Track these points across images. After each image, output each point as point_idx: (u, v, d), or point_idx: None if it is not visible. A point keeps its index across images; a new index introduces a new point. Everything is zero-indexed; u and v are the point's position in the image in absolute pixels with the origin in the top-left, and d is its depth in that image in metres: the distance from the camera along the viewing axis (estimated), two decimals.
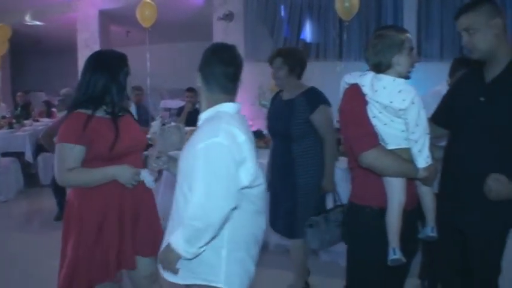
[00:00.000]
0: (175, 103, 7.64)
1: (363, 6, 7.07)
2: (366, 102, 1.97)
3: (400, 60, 1.94)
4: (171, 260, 1.86)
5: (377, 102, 1.93)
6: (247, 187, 1.85)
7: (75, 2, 9.14)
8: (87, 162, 2.23)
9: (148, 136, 4.27)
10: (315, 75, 7.29)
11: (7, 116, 8.16)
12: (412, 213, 2.10)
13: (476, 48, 2.13)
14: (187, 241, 1.78)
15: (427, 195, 2.12)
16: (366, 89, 1.96)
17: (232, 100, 1.96)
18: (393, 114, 1.92)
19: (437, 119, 2.40)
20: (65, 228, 2.34)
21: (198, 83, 1.96)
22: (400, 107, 1.88)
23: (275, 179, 3.39)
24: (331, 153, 3.27)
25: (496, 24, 2.10)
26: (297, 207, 3.27)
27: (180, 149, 2.24)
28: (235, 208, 1.80)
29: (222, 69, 1.90)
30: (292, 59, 3.31)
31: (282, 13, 7.92)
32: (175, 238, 1.82)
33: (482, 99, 2.18)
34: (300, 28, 7.78)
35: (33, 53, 13.23)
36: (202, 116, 1.95)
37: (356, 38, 7.38)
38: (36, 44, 12.19)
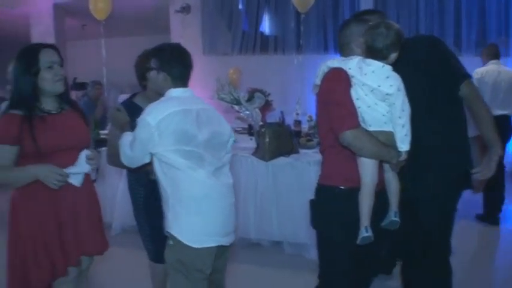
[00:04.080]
0: None
1: None
2: (349, 85, 2.04)
3: (392, 57, 2.05)
4: None
5: (364, 84, 2.00)
6: None
7: None
8: (21, 160, 2.18)
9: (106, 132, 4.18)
10: (273, 68, 7.34)
11: None
12: (380, 195, 2.16)
13: None
14: None
15: (393, 180, 2.18)
16: (352, 72, 2.04)
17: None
18: (379, 98, 2.00)
19: None
20: (8, 229, 2.28)
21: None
22: (387, 92, 1.98)
23: None
24: None
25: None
26: None
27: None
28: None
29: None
30: None
31: (240, 6, 7.89)
32: None
33: None
34: (258, 21, 7.77)
35: None
36: None
37: (314, 31, 7.42)
38: None
